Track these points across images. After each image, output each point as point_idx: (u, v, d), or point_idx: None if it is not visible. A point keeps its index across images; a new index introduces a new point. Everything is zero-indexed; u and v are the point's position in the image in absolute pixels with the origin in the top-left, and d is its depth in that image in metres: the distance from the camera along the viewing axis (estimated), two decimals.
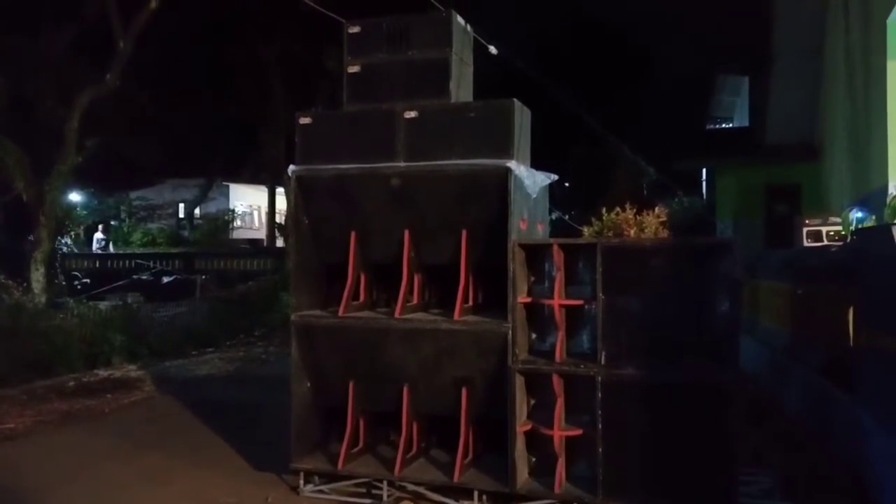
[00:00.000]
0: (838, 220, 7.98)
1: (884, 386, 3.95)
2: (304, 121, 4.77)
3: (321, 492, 4.69)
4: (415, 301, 4.76)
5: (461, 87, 4.72)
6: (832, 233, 7.77)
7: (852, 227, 7.10)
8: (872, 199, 8.91)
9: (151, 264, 20.52)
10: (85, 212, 29.01)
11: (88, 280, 18.51)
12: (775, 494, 4.43)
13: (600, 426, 4.06)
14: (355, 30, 4.78)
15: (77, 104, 13.09)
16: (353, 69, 4.77)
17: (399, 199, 4.57)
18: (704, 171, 23.19)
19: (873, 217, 7.68)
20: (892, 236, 3.74)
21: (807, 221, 8.18)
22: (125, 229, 30.36)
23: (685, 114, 25.17)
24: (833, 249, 6.40)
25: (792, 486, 4.50)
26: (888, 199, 7.84)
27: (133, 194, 33.07)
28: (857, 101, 11.04)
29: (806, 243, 7.85)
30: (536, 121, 4.80)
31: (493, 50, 6.52)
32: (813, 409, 5.60)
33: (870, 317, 4.35)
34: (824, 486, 4.46)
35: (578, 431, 4.18)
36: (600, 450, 4.05)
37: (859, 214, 7.57)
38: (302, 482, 4.73)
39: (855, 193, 10.52)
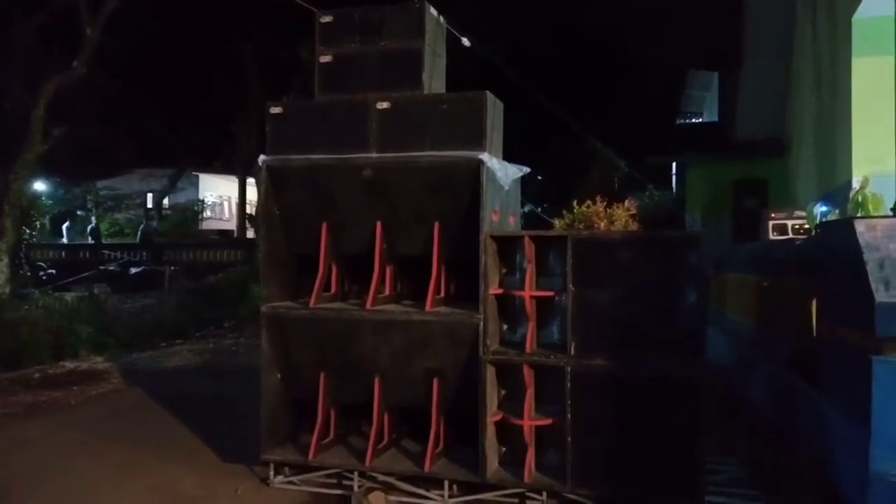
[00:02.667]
0: (803, 213, 8.14)
1: (845, 377, 4.05)
2: (276, 110, 4.73)
3: (291, 483, 4.69)
4: (387, 293, 4.76)
5: (434, 79, 4.71)
6: (797, 226, 7.92)
7: (816, 221, 7.26)
8: (837, 193, 9.10)
9: (119, 255, 20.23)
10: (51, 201, 28.48)
11: (54, 271, 18.21)
12: (742, 484, 4.51)
13: (569, 416, 4.11)
14: (327, 19, 4.75)
15: (43, 91, 12.83)
16: (325, 59, 4.74)
17: (371, 190, 4.56)
18: (674, 165, 23.45)
19: (837, 211, 7.86)
20: (854, 230, 3.82)
21: (773, 215, 8.33)
22: (92, 219, 29.85)
23: (656, 109, 25.42)
24: (798, 243, 6.52)
25: (758, 475, 4.60)
26: (851, 194, 8.04)
27: (100, 184, 32.49)
28: (824, 99, 11.24)
29: (772, 236, 8.00)
30: (509, 115, 4.82)
31: (466, 42, 6.52)
32: (778, 400, 5.72)
33: (832, 309, 4.44)
34: (789, 476, 4.56)
35: (548, 421, 4.23)
36: (569, 439, 4.10)
37: (823, 208, 7.74)
38: (272, 473, 4.71)
39: (820, 188, 10.72)
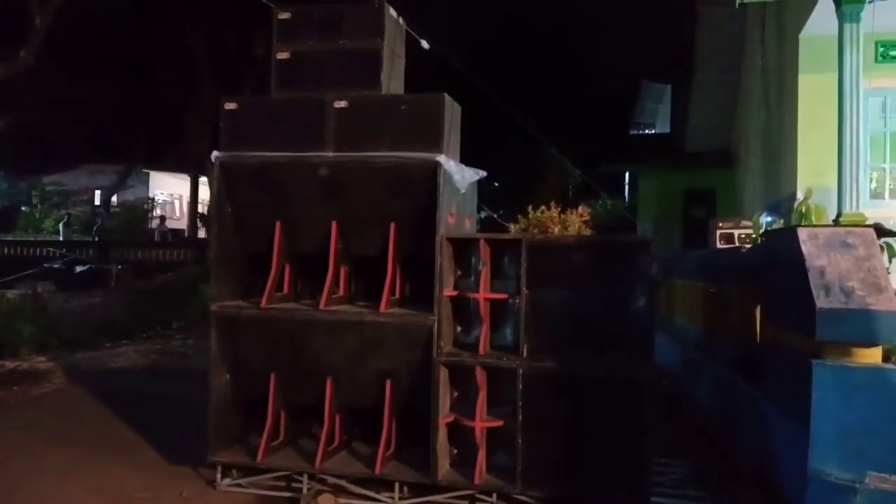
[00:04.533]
0: (749, 223, 8.37)
1: (786, 379, 4.17)
2: (230, 106, 4.66)
3: (239, 485, 4.60)
4: (341, 293, 4.73)
5: (392, 79, 4.71)
6: (743, 235, 8.15)
7: (762, 230, 7.46)
8: (781, 205, 9.39)
9: (64, 252, 19.66)
10: None
11: None
12: (687, 484, 4.60)
13: (520, 417, 4.14)
14: (285, 16, 4.70)
15: None
16: (283, 56, 4.69)
17: (326, 189, 4.53)
18: (627, 174, 23.88)
19: (781, 221, 8.11)
20: (798, 238, 3.94)
21: (720, 224, 8.55)
22: (36, 215, 28.96)
23: (611, 119, 25.87)
24: (743, 251, 6.70)
25: (703, 476, 4.70)
26: (795, 205, 8.31)
27: (46, 179, 31.56)
28: (771, 113, 11.58)
29: (719, 244, 8.20)
30: (467, 120, 4.83)
31: (425, 45, 6.54)
32: (723, 402, 5.86)
33: (775, 315, 4.58)
34: (733, 476, 4.67)
35: (499, 423, 4.25)
36: (520, 441, 4.13)
37: (769, 218, 7.98)
38: (219, 476, 4.63)
39: (766, 199, 11.04)
